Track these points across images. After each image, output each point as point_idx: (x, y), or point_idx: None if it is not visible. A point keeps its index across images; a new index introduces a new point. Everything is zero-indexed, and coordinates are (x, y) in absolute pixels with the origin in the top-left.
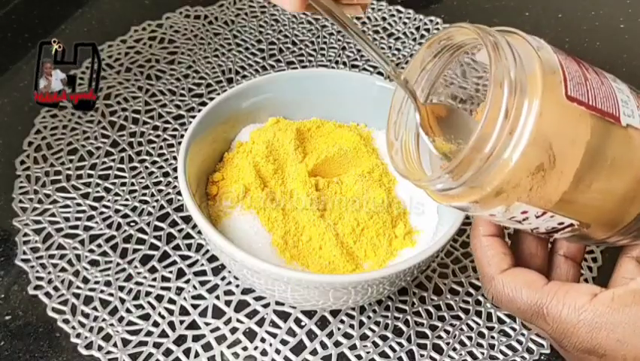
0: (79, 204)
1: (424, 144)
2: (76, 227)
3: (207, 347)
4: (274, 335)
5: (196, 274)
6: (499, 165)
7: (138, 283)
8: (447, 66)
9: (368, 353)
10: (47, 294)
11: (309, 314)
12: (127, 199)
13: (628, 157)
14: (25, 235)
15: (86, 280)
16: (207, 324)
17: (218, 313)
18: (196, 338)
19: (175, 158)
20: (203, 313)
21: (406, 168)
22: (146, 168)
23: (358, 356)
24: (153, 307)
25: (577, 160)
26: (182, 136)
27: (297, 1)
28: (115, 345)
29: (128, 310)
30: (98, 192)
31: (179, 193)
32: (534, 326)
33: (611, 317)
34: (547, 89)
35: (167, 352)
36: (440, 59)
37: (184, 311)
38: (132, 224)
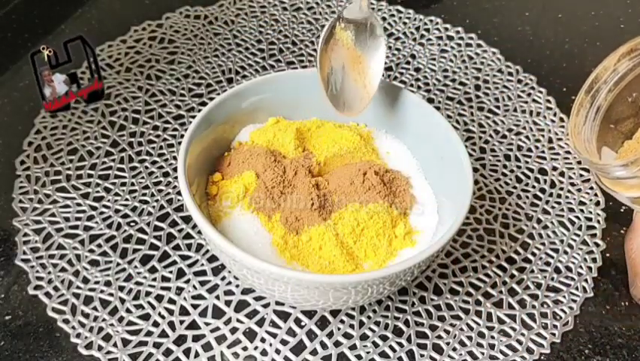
0: (79, 204)
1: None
2: (76, 227)
3: (207, 347)
4: (274, 335)
5: (196, 274)
6: None
7: (138, 283)
8: (634, 70)
9: (368, 353)
10: (47, 294)
11: (309, 314)
12: (127, 199)
13: None
14: (25, 235)
15: (86, 280)
16: (207, 324)
17: (218, 313)
18: (196, 338)
19: (175, 158)
20: (203, 313)
21: (586, 150)
22: (146, 168)
23: (358, 356)
24: (153, 307)
25: None
26: (182, 136)
27: None
28: (115, 345)
29: (128, 310)
30: (98, 192)
31: (179, 193)
32: None
33: None
34: None
35: (167, 352)
36: (631, 60)
37: (184, 311)
38: (132, 224)
